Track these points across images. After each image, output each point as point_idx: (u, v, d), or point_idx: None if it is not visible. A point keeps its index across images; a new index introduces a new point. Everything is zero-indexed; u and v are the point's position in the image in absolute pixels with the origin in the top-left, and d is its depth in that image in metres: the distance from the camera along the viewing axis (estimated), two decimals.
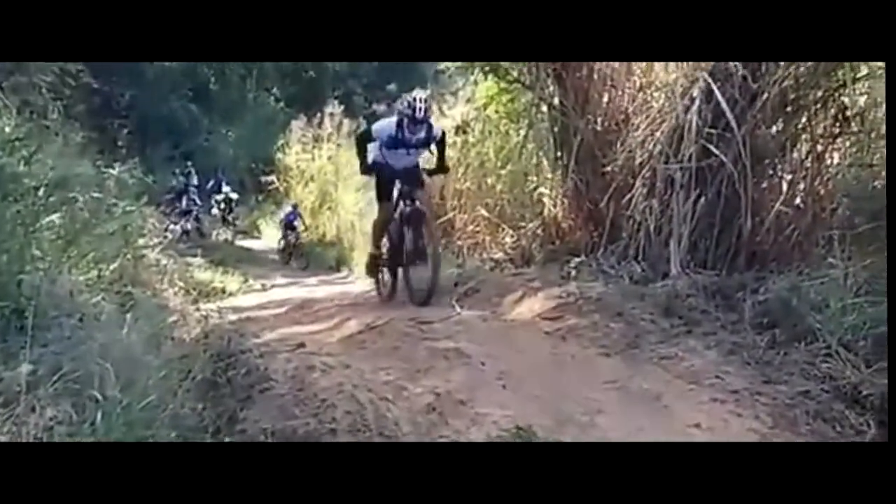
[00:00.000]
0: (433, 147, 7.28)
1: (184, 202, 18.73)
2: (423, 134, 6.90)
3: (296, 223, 17.95)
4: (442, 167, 7.53)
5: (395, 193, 7.14)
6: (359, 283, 10.73)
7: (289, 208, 18.49)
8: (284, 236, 18.11)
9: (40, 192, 4.30)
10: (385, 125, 7.05)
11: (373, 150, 7.17)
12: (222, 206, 20.61)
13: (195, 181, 19.81)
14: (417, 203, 6.94)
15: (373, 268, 7.67)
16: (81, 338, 3.23)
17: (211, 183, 20.77)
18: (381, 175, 7.19)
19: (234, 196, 20.84)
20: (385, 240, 7.41)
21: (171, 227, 14.66)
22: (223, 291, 9.85)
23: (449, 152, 11.24)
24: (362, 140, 7.23)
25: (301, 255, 17.45)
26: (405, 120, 6.79)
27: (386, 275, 7.57)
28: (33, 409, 2.62)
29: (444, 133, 7.43)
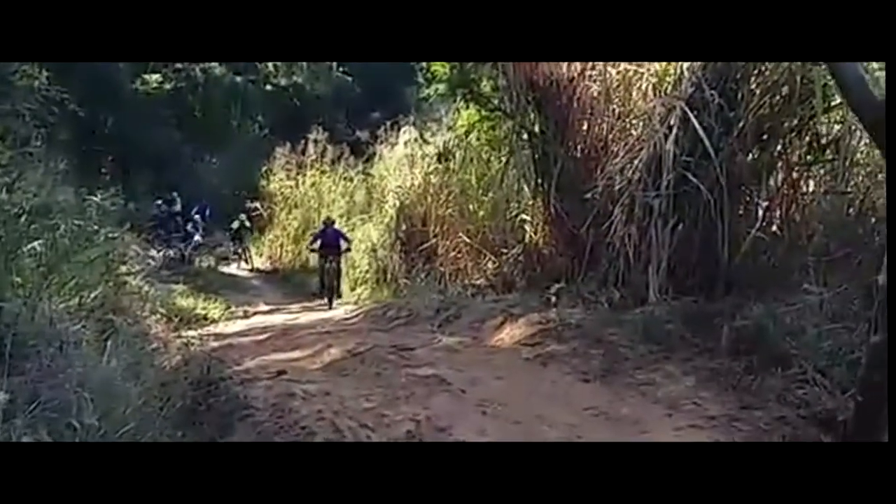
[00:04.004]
0: None
1: (167, 228, 18.68)
2: None
3: (340, 242, 12.56)
4: None
5: None
6: (340, 309, 10.74)
7: (321, 225, 13.29)
8: (322, 263, 12.50)
9: (22, 220, 4.31)
10: None
11: None
12: (234, 233, 20.34)
13: (179, 208, 19.78)
14: None
15: None
16: (60, 366, 3.23)
17: (195, 209, 20.71)
18: None
19: (248, 224, 20.51)
20: None
21: (154, 253, 14.59)
22: (205, 318, 9.81)
23: (431, 179, 11.38)
24: None
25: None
26: None
27: None
28: (9, 438, 2.61)
29: None
